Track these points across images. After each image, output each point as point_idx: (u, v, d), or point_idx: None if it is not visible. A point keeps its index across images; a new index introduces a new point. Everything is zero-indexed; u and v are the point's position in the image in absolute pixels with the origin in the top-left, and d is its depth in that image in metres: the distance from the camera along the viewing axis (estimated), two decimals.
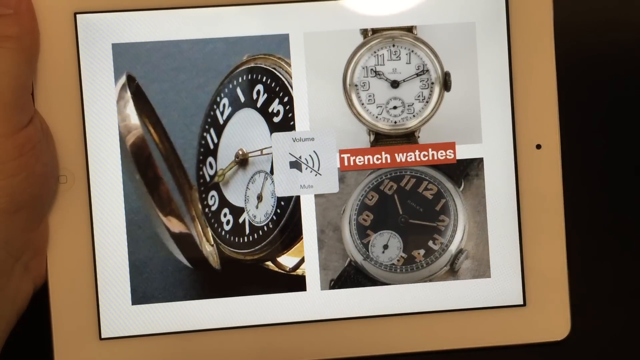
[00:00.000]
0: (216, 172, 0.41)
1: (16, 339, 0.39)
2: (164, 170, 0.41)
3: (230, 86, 0.41)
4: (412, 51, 0.41)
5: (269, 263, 0.41)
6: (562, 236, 0.41)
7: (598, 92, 0.46)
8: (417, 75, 0.41)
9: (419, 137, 0.41)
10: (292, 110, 0.40)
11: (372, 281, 0.41)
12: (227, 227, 0.41)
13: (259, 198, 0.41)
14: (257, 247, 0.41)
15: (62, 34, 0.39)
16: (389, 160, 0.41)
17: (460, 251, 0.41)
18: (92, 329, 0.40)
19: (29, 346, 0.42)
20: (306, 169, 0.41)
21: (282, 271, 0.41)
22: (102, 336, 0.40)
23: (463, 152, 0.41)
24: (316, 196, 0.41)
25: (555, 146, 0.41)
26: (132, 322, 0.40)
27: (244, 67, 0.41)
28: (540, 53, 0.41)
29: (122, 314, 0.40)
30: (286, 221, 0.41)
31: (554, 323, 0.41)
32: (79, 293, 0.40)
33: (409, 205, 0.41)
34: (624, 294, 0.45)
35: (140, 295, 0.40)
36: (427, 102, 0.41)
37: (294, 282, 0.41)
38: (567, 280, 0.41)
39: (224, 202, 0.41)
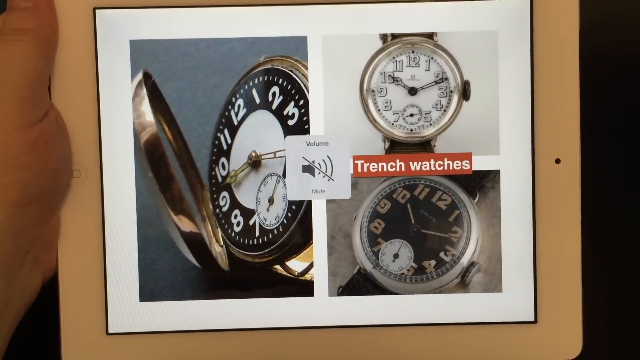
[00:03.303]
0: (228, 173, 0.41)
1: (24, 331, 0.39)
2: (176, 169, 0.41)
3: (246, 87, 0.41)
4: (432, 58, 0.40)
5: (278, 267, 0.41)
6: (578, 254, 0.40)
7: (623, 105, 0.44)
8: (436, 83, 0.40)
9: (434, 146, 0.40)
10: (307, 113, 0.40)
11: (381, 290, 0.40)
12: (237, 229, 0.41)
13: (270, 201, 0.41)
14: (266, 250, 0.41)
15: (80, 29, 0.39)
16: (403, 169, 0.40)
17: (472, 264, 0.40)
18: (100, 324, 0.40)
19: (37, 339, 0.43)
20: (319, 173, 0.40)
21: (290, 275, 0.41)
22: (109, 331, 0.40)
23: (479, 163, 0.40)
24: (328, 201, 0.40)
25: (575, 161, 0.40)
26: (140, 318, 0.40)
27: (260, 69, 0.40)
28: (564, 64, 0.40)
29: (130, 310, 0.40)
30: (297, 225, 0.40)
31: (565, 341, 0.40)
32: (88, 288, 0.40)
33: (421, 215, 0.40)
34: (637, 313, 0.44)
35: (149, 292, 0.40)
36: (444, 110, 0.40)
37: (302, 287, 0.40)
38: (580, 298, 0.40)
39: (235, 203, 0.41)
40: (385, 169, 0.40)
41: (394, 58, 0.40)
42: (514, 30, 0.40)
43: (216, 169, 0.41)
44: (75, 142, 0.40)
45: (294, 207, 0.40)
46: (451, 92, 0.40)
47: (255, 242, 0.41)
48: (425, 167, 0.40)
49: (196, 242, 0.41)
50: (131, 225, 0.40)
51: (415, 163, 0.40)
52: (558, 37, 0.40)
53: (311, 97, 0.40)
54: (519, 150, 0.40)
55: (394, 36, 0.40)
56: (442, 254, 0.40)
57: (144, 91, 0.40)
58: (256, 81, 0.40)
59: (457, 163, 0.40)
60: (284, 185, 0.40)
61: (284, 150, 0.40)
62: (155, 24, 0.40)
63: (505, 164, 0.40)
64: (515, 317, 0.40)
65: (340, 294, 0.40)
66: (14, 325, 0.38)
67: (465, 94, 0.40)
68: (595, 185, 0.43)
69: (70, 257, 0.40)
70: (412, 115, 0.40)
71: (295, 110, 0.40)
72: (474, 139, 0.40)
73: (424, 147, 0.40)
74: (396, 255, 0.41)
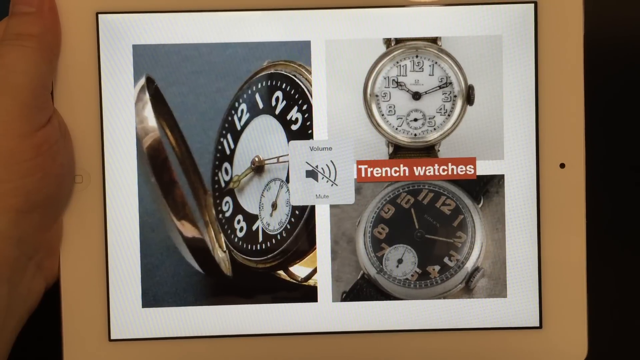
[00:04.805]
0: (231, 178, 0.41)
1: (27, 337, 0.39)
2: (179, 174, 0.41)
3: (249, 92, 0.40)
4: (436, 63, 0.40)
5: (281, 272, 0.40)
6: (583, 259, 0.40)
7: (628, 110, 0.44)
8: (440, 87, 0.40)
9: (439, 150, 0.40)
10: (310, 118, 0.40)
11: (385, 295, 0.40)
12: (240, 234, 0.41)
13: (274, 206, 0.40)
14: (269, 256, 0.40)
15: (83, 33, 0.39)
16: (407, 173, 0.40)
17: (476, 269, 0.40)
18: (102, 330, 0.40)
19: (39, 345, 0.43)
20: (322, 178, 0.40)
21: (293, 281, 0.40)
22: (112, 337, 0.40)
23: (484, 168, 0.40)
24: (331, 206, 0.40)
25: (580, 166, 0.40)
26: (142, 324, 0.40)
27: (263, 73, 0.40)
28: (569, 69, 0.39)
29: (132, 316, 0.40)
30: (300, 231, 0.40)
31: (570, 347, 0.40)
32: (90, 293, 0.40)
33: (425, 220, 0.40)
34: None
35: (151, 298, 0.40)
36: (448, 115, 0.40)
37: (306, 293, 0.40)
38: (585, 303, 0.40)
39: (238, 208, 0.41)
40: (389, 174, 0.40)
41: (397, 63, 0.40)
42: (518, 35, 0.39)
43: (219, 174, 0.41)
44: (78, 147, 0.40)
45: (297, 212, 0.40)
46: (455, 96, 0.40)
47: (259, 248, 0.41)
48: (429, 172, 0.40)
49: (199, 248, 0.40)
50: (134, 230, 0.40)
51: (419, 168, 0.40)
52: (562, 41, 0.39)
53: (314, 101, 0.40)
54: (524, 155, 0.40)
55: (398, 41, 0.40)
56: (446, 259, 0.40)
57: (147, 96, 0.40)
58: (259, 86, 0.40)
59: (461, 168, 0.40)
60: (287, 190, 0.40)
61: (287, 155, 0.40)
62: (158, 28, 0.39)
63: (509, 169, 0.40)
64: (520, 322, 0.40)
65: (343, 300, 0.40)
66: (17, 331, 0.38)
67: (469, 98, 0.40)
68: (600, 189, 0.43)
69: (72, 263, 0.40)
70: (416, 120, 0.40)
71: (299, 115, 0.40)
72: (478, 144, 0.40)
73: (428, 151, 0.40)
74: (400, 261, 0.40)
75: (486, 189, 0.40)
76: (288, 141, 0.40)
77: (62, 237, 0.40)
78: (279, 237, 0.40)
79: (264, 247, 0.40)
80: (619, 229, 0.44)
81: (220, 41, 0.40)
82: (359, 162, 0.40)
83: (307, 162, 0.40)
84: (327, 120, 0.40)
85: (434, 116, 0.40)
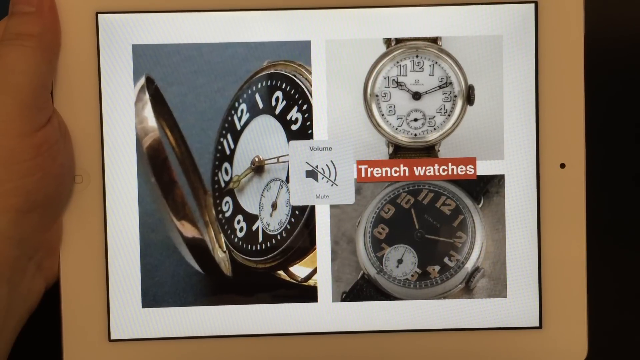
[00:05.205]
0: (231, 178, 0.41)
1: (27, 337, 0.39)
2: (179, 174, 0.40)
3: (249, 92, 0.40)
4: (436, 63, 0.40)
5: (281, 272, 0.40)
6: (583, 259, 0.40)
7: (628, 109, 0.44)
8: (440, 87, 0.40)
9: (439, 151, 0.40)
10: (310, 118, 0.40)
11: (385, 295, 0.40)
12: (240, 234, 0.41)
13: (274, 206, 0.40)
14: (269, 256, 0.40)
15: (83, 33, 0.39)
16: (407, 174, 0.40)
17: (476, 269, 0.40)
18: (102, 330, 0.40)
19: (39, 345, 0.43)
20: (322, 178, 0.40)
21: (293, 281, 0.40)
22: (112, 337, 0.40)
23: (484, 168, 0.40)
24: (331, 207, 0.40)
25: (580, 166, 0.40)
26: (142, 324, 0.40)
27: (263, 73, 0.40)
28: (569, 69, 0.39)
29: (132, 316, 0.40)
30: (300, 231, 0.40)
31: (570, 346, 0.40)
32: (90, 294, 0.40)
33: (425, 220, 0.40)
34: None
35: (151, 298, 0.40)
36: (449, 115, 0.40)
37: (306, 293, 0.40)
38: (585, 303, 0.40)
39: (238, 208, 0.41)
40: (389, 174, 0.40)
41: (397, 62, 0.40)
42: (518, 35, 0.39)
43: (219, 174, 0.41)
44: (78, 147, 0.39)
45: (297, 212, 0.40)
46: (455, 96, 0.40)
47: (259, 248, 0.41)
48: (430, 172, 0.40)
49: (199, 248, 0.40)
50: (133, 230, 0.40)
51: (419, 168, 0.40)
52: (563, 41, 0.39)
53: (314, 101, 0.40)
54: (524, 155, 0.40)
55: (398, 40, 0.40)
56: (446, 259, 0.40)
57: (147, 96, 0.40)
58: (259, 86, 0.40)
59: (462, 168, 0.40)
60: (287, 190, 0.40)
61: (287, 155, 0.40)
62: (158, 28, 0.39)
63: (509, 169, 0.40)
64: (520, 322, 0.40)
65: (343, 300, 0.40)
66: (17, 331, 0.38)
67: (469, 98, 0.40)
68: (600, 189, 0.43)
69: (72, 263, 0.40)
70: (416, 120, 0.40)
71: (299, 115, 0.40)
72: (478, 144, 0.40)
73: (428, 151, 0.40)
74: (400, 261, 0.40)
75: (486, 189, 0.40)
76: (288, 141, 0.40)
77: (62, 237, 0.40)
78: (279, 237, 0.40)
79: (264, 247, 0.40)
80: (619, 229, 0.44)
81: (220, 41, 0.40)
82: (359, 162, 0.40)
83: (307, 162, 0.40)
84: (327, 120, 0.40)
85: (434, 116, 0.40)
